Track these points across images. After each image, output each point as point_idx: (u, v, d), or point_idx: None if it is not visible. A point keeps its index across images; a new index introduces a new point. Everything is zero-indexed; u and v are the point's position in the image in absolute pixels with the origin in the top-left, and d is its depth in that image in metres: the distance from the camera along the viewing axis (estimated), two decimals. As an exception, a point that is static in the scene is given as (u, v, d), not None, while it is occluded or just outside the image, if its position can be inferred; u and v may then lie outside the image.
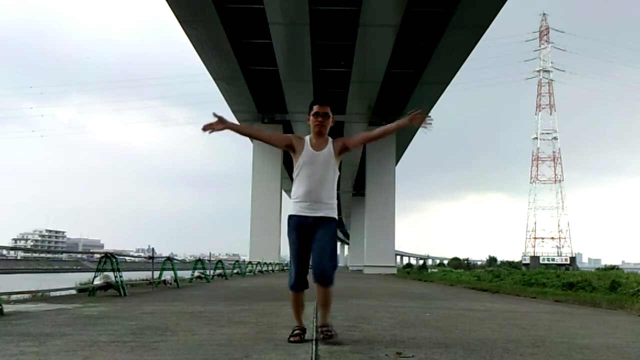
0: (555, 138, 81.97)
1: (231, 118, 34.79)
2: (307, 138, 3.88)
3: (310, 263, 3.71)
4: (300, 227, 3.71)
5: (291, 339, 3.71)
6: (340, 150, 3.83)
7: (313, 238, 3.69)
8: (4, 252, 58.44)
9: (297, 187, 3.79)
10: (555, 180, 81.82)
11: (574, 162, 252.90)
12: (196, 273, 15.37)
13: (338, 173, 3.85)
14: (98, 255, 11.42)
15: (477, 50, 28.09)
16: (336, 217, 3.80)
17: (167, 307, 6.66)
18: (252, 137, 4.24)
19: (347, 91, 31.45)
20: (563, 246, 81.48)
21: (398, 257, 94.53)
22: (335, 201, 3.82)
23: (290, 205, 3.87)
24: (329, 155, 3.78)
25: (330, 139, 3.88)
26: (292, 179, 3.93)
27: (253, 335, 4.11)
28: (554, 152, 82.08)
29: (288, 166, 45.91)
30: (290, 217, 3.78)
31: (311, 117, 3.84)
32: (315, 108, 3.83)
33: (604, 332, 4.97)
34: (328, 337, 3.70)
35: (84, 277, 13.80)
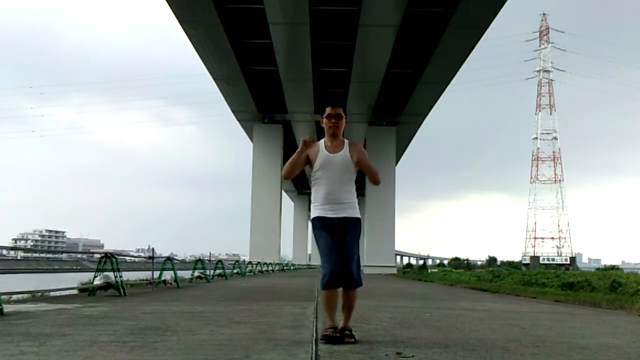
0: (555, 138, 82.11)
1: (231, 118, 34.40)
2: (322, 142, 3.89)
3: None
4: (327, 228, 3.75)
5: (324, 333, 3.69)
6: (356, 162, 3.82)
7: (340, 241, 3.72)
8: (4, 252, 58.44)
9: (316, 191, 3.82)
10: (555, 180, 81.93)
11: (574, 162, 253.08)
12: (196, 273, 15.38)
13: (355, 173, 3.86)
14: (98, 255, 11.42)
15: (477, 50, 28.14)
16: (359, 216, 3.83)
17: (167, 307, 6.66)
18: (297, 166, 3.89)
19: (347, 91, 31.44)
20: (563, 246, 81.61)
21: (398, 257, 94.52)
22: (356, 200, 3.85)
23: (312, 209, 3.88)
24: (345, 158, 3.80)
25: (346, 141, 3.88)
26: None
27: (253, 335, 4.11)
28: (554, 152, 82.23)
29: (288, 166, 45.91)
30: (315, 219, 3.81)
31: (324, 120, 3.86)
32: (328, 110, 3.85)
33: (604, 332, 4.97)
34: (350, 340, 3.65)
35: (84, 277, 13.80)
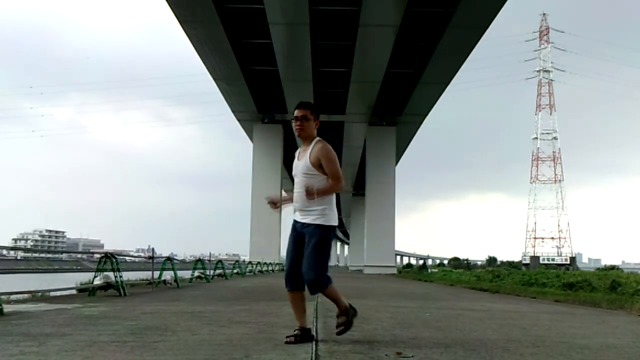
0: (555, 138, 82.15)
1: (231, 118, 34.31)
2: (301, 146, 3.97)
3: None
4: (295, 230, 3.85)
5: (286, 339, 3.70)
6: (319, 163, 3.70)
7: (301, 246, 3.77)
8: (4, 252, 58.44)
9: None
10: (555, 180, 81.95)
11: (574, 162, 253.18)
12: (196, 273, 15.37)
13: (323, 175, 3.70)
14: (98, 255, 11.42)
15: (477, 50, 28.11)
16: (325, 223, 3.69)
17: (167, 307, 6.66)
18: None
19: (347, 91, 31.44)
20: (563, 246, 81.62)
21: (398, 257, 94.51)
22: (327, 206, 3.71)
23: None
24: (305, 164, 3.74)
25: (315, 141, 3.78)
26: (291, 181, 4.01)
27: (253, 335, 4.11)
28: (554, 152, 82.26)
29: (288, 166, 46.05)
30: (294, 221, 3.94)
31: (292, 122, 3.90)
32: (295, 112, 3.85)
33: (604, 332, 4.97)
34: (341, 329, 3.76)
35: (84, 277, 13.80)
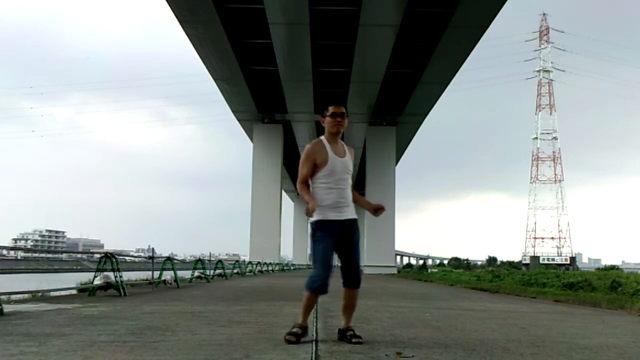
0: (555, 138, 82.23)
1: (232, 118, 34.40)
2: (324, 141, 3.84)
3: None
4: (337, 232, 3.74)
5: (287, 337, 3.67)
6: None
7: (349, 242, 3.80)
8: (4, 252, 58.43)
9: (327, 193, 3.74)
10: (555, 180, 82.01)
11: (574, 162, 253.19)
12: (196, 273, 15.37)
13: None
14: (98, 255, 11.43)
15: (477, 50, 28.14)
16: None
17: (167, 307, 6.66)
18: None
19: (347, 91, 31.45)
20: (563, 246, 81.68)
21: (398, 257, 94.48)
22: None
23: (319, 211, 3.71)
24: (349, 161, 3.90)
25: (344, 144, 3.94)
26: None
27: (253, 335, 4.11)
28: (554, 152, 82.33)
29: (288, 166, 46.02)
30: (325, 222, 3.72)
31: (328, 118, 3.83)
32: (332, 109, 3.84)
33: (604, 332, 4.96)
34: (358, 340, 3.69)
35: (84, 277, 13.80)
